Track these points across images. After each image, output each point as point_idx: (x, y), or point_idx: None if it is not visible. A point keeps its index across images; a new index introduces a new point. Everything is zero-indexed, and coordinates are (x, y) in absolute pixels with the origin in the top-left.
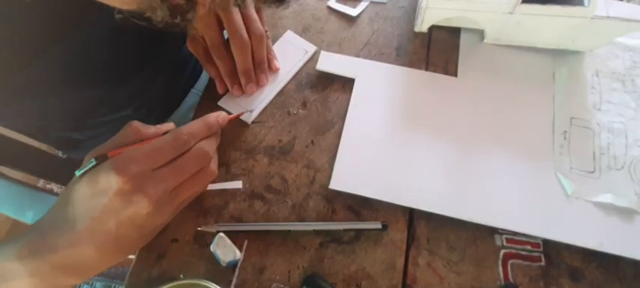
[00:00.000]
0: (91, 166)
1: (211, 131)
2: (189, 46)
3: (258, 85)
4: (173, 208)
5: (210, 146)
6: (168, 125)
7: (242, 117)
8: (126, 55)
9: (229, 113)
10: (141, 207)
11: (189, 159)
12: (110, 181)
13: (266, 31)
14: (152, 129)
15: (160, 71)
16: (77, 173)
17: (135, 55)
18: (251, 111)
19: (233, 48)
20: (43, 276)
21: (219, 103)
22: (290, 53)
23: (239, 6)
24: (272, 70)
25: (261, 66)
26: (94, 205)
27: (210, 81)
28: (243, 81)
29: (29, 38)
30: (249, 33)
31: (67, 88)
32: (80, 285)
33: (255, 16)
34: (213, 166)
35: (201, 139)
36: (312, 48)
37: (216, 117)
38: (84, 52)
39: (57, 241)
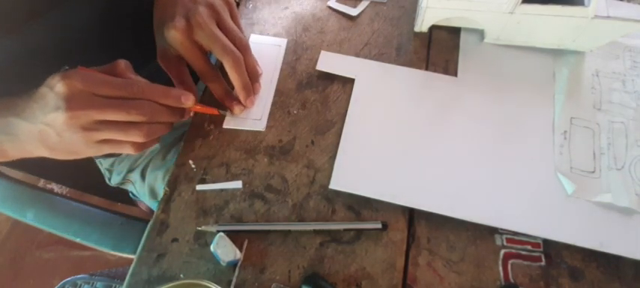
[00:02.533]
0: (64, 69)
1: (166, 100)
2: (161, 62)
3: (255, 93)
4: (91, 140)
5: (153, 109)
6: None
7: (254, 127)
8: (119, 37)
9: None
10: (59, 114)
11: (123, 104)
12: (56, 81)
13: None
14: (132, 73)
15: (153, 57)
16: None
17: (129, 39)
18: (259, 119)
19: (228, 68)
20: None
21: (225, 126)
22: (265, 54)
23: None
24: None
25: (255, 75)
26: (41, 93)
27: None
28: (242, 97)
29: (11, 13)
30: (234, 43)
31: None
32: (81, 285)
33: (232, 25)
34: (147, 129)
35: (153, 102)
36: (283, 41)
37: (179, 94)
38: (75, 32)
39: (10, 108)
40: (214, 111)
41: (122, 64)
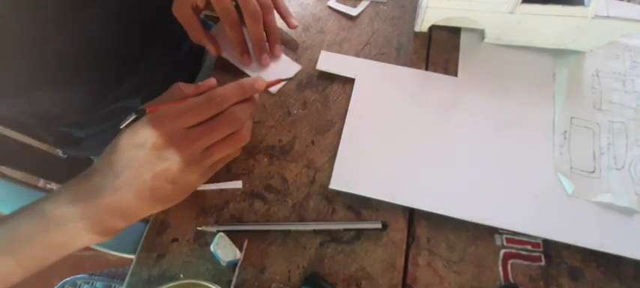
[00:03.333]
0: (131, 119)
1: (245, 95)
2: (175, 11)
3: (274, 55)
4: (205, 168)
5: (242, 111)
6: (210, 81)
7: (290, 72)
8: (131, 41)
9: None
10: (173, 162)
11: (220, 121)
12: (146, 135)
13: None
14: (193, 87)
15: (163, 57)
16: (120, 126)
17: (140, 42)
18: (291, 79)
19: (247, 19)
20: (92, 218)
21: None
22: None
23: None
24: (291, 27)
25: (274, 34)
26: (132, 155)
27: (216, 68)
28: (256, 51)
29: (34, 25)
30: (258, 3)
31: (73, 78)
32: (81, 285)
33: None
34: (246, 131)
35: (236, 103)
36: (295, 67)
37: (252, 82)
38: (90, 39)
39: (102, 186)
40: (278, 81)
41: (182, 86)
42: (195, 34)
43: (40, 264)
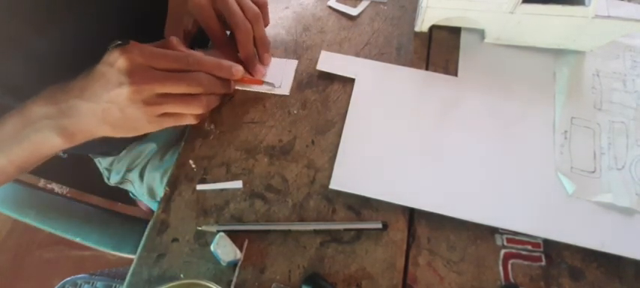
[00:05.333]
0: (117, 44)
1: (220, 72)
2: (167, 35)
3: (264, 64)
4: (152, 114)
5: (209, 80)
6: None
7: (273, 90)
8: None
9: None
10: (123, 89)
11: (183, 76)
12: (116, 56)
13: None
14: (184, 48)
15: None
16: (108, 47)
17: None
18: (273, 84)
19: (237, 36)
20: (57, 119)
21: (239, 87)
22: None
23: None
24: (264, 63)
25: (264, 45)
26: (100, 70)
27: None
28: (248, 67)
29: (15, 24)
30: (245, 15)
31: (59, 80)
32: (81, 285)
33: None
34: (206, 100)
35: (208, 73)
36: (292, 62)
37: (230, 65)
38: (73, 42)
39: (71, 90)
40: (259, 82)
41: (174, 40)
42: (217, 38)
43: (27, 162)
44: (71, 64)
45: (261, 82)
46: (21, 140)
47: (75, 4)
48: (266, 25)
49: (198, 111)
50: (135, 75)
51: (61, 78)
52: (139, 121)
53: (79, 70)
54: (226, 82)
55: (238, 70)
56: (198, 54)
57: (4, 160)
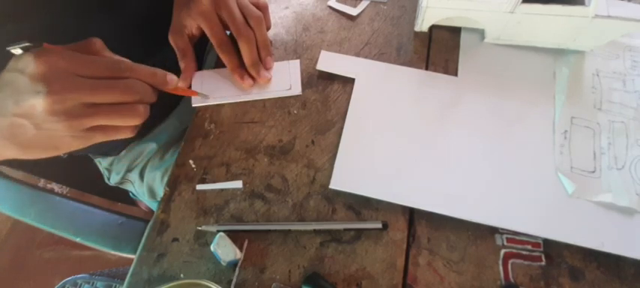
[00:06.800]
0: (23, 45)
1: (154, 81)
2: (171, 39)
3: (266, 68)
4: (78, 127)
5: (143, 87)
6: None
7: (287, 93)
8: (126, 39)
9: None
10: (39, 100)
11: (113, 83)
12: (27, 62)
13: (265, 4)
14: (109, 53)
15: (163, 56)
16: (8, 48)
17: (137, 39)
18: (207, 96)
19: (240, 45)
20: None
21: (256, 97)
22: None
23: None
24: (266, 67)
25: (266, 48)
26: (6, 79)
27: (216, 67)
28: (253, 73)
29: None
30: (248, 19)
31: None
32: (81, 285)
33: (246, 2)
34: (141, 108)
35: (140, 81)
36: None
37: (164, 74)
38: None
39: None
40: (194, 93)
41: (98, 42)
42: (186, 63)
43: None
44: None
45: (196, 94)
46: None
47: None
48: (268, 28)
49: (136, 122)
50: (55, 82)
51: None
52: (61, 137)
53: None
54: (156, 91)
55: (172, 79)
56: (129, 62)
57: None
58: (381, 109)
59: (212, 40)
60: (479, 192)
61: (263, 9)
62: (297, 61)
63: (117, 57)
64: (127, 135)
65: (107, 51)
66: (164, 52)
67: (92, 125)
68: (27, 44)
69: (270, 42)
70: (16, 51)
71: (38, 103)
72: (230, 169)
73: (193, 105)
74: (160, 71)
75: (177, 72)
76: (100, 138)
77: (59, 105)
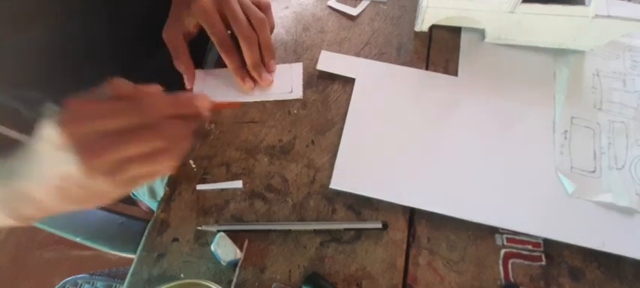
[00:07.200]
0: (48, 108)
1: (180, 110)
2: (166, 35)
3: (269, 71)
4: (119, 182)
5: (174, 127)
6: (154, 87)
7: (289, 97)
8: (125, 41)
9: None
10: (73, 167)
11: (142, 133)
12: (50, 132)
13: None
14: (131, 87)
15: (162, 58)
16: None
17: (135, 41)
18: (290, 91)
19: (242, 46)
20: (4, 200)
21: (257, 99)
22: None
23: None
24: (269, 70)
25: (269, 51)
26: (40, 149)
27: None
28: (255, 75)
29: (10, 16)
30: (250, 20)
31: (60, 76)
32: (81, 285)
33: (249, 2)
34: (176, 149)
35: (171, 117)
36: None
37: (191, 97)
38: (76, 36)
39: (17, 171)
40: (236, 105)
41: (120, 82)
42: (180, 62)
43: None
44: (84, 62)
45: (238, 105)
46: None
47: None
48: (271, 30)
49: (170, 164)
50: (82, 149)
51: (72, 75)
52: (105, 193)
53: (93, 68)
54: (192, 118)
55: (202, 101)
56: (148, 97)
57: None
58: (381, 109)
59: (213, 38)
60: (479, 192)
61: (265, 9)
62: (300, 64)
63: (138, 92)
64: (168, 173)
65: (128, 84)
66: (164, 53)
67: (129, 177)
68: (50, 106)
69: (273, 48)
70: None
71: (73, 171)
72: (230, 169)
73: (257, 99)
74: (183, 96)
75: (175, 72)
76: (141, 182)
77: (93, 171)
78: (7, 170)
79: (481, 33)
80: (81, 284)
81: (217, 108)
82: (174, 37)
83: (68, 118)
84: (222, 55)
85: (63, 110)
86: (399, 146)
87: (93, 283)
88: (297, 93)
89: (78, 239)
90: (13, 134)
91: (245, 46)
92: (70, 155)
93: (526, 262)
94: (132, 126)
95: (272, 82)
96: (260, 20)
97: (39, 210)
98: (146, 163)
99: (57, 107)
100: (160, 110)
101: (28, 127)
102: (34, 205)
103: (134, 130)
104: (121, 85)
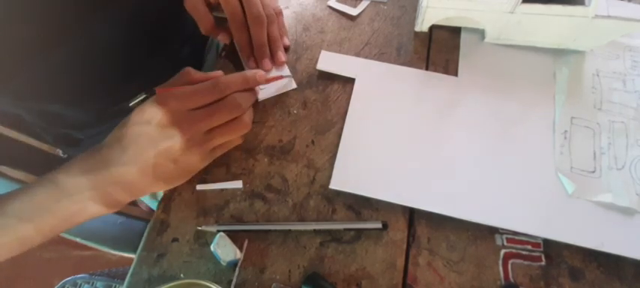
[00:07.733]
0: (141, 98)
1: (247, 85)
2: (187, 5)
3: (276, 62)
4: (206, 151)
5: (243, 98)
6: (217, 72)
7: (286, 88)
8: (136, 47)
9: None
10: (175, 141)
11: (222, 106)
12: (153, 113)
13: (280, 10)
14: (200, 74)
15: (166, 61)
16: (130, 104)
17: (145, 48)
18: (290, 76)
19: (250, 21)
20: (99, 189)
21: (261, 98)
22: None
23: None
24: (284, 45)
25: (277, 43)
26: (138, 131)
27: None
28: (258, 56)
29: (41, 28)
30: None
31: (79, 82)
32: (81, 285)
33: None
34: (247, 118)
35: (238, 92)
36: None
37: (254, 73)
38: (97, 44)
39: (110, 160)
40: (280, 77)
41: (191, 71)
42: (206, 26)
43: (55, 230)
44: (99, 67)
45: (280, 78)
46: (55, 211)
47: (95, 6)
48: (282, 34)
49: (244, 132)
50: (182, 124)
51: (87, 81)
52: (194, 163)
53: (106, 73)
54: (253, 91)
55: (261, 74)
56: (221, 78)
57: (32, 229)
58: (381, 109)
59: (226, 10)
60: (479, 192)
61: (277, 14)
62: (294, 85)
63: (212, 76)
64: (238, 142)
65: (199, 73)
66: (167, 51)
67: (214, 146)
68: (144, 96)
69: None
70: (134, 102)
71: (175, 145)
72: (230, 169)
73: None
74: (249, 73)
75: (179, 69)
76: (220, 152)
77: (191, 141)
78: (100, 160)
79: (481, 33)
80: (81, 284)
81: (269, 82)
82: (196, 6)
83: (165, 101)
84: (232, 29)
85: (156, 97)
86: (399, 146)
87: (93, 283)
88: (291, 84)
89: (78, 239)
90: (22, 137)
91: (252, 25)
92: (173, 130)
93: (526, 263)
94: (212, 101)
95: (270, 69)
96: (271, 16)
97: (131, 193)
98: (226, 132)
99: (143, 95)
100: (232, 87)
101: (30, 132)
102: (124, 188)
103: (215, 105)
104: (193, 72)
